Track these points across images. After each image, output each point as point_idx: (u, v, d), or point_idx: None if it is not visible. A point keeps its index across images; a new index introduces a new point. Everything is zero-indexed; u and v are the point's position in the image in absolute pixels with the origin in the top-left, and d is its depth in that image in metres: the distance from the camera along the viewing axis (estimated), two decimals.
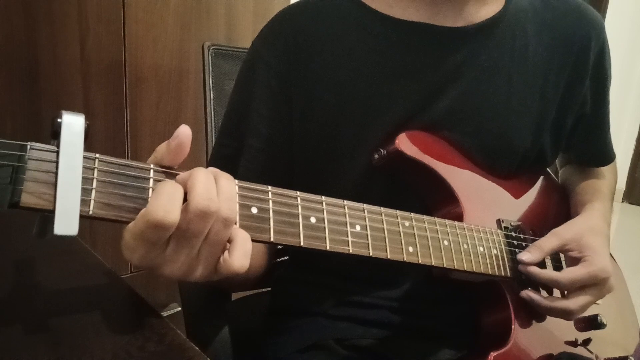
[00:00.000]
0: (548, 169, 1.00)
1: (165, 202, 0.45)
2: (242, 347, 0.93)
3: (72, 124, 0.41)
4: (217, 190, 0.48)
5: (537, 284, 0.81)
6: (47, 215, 0.42)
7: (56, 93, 1.52)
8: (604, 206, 0.91)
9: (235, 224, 0.51)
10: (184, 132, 0.49)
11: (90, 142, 1.50)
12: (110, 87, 1.62)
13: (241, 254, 0.50)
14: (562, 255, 0.87)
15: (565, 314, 0.79)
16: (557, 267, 0.87)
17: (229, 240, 0.50)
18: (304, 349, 0.85)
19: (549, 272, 0.78)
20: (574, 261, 0.80)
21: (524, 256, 0.78)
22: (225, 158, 0.85)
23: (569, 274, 0.77)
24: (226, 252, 0.50)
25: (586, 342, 0.86)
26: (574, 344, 0.86)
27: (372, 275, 0.85)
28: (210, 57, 1.15)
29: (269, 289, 1.00)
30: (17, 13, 1.40)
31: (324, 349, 0.84)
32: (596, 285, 0.78)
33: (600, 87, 0.92)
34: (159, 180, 0.47)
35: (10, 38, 1.40)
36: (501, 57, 0.82)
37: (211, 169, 0.52)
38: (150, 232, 0.45)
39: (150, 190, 0.46)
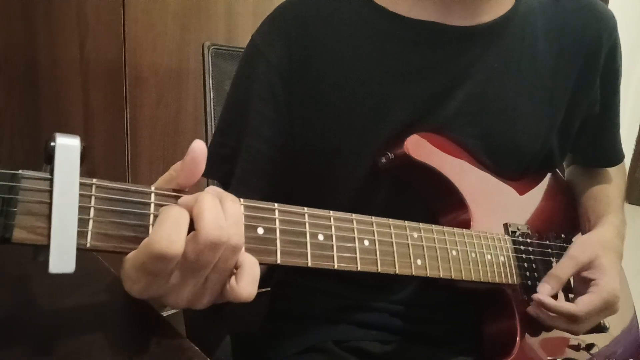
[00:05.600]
0: (557, 169, 0.98)
1: (169, 231, 0.42)
2: (242, 348, 0.92)
3: (67, 148, 0.38)
4: (224, 215, 0.46)
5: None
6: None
7: (56, 94, 1.51)
8: (618, 219, 0.90)
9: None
10: (199, 147, 0.47)
11: (90, 143, 1.49)
12: (110, 87, 1.61)
13: (249, 281, 0.48)
14: None
15: (570, 333, 0.78)
16: (566, 286, 0.85)
17: (236, 266, 0.48)
18: (304, 351, 0.84)
19: (564, 305, 0.75)
20: (582, 280, 0.79)
21: (544, 289, 0.76)
22: (222, 158, 0.83)
23: (585, 305, 0.75)
24: (233, 279, 0.48)
25: (589, 347, 0.86)
26: (577, 348, 0.85)
27: (373, 279, 0.83)
28: (210, 57, 1.14)
29: (269, 289, 0.99)
30: (16, 14, 1.39)
31: (323, 352, 0.83)
32: (606, 309, 0.77)
33: (611, 86, 0.90)
34: (161, 205, 0.45)
35: (9, 39, 1.39)
36: (510, 57, 0.81)
37: (215, 190, 0.49)
38: (153, 263, 0.43)
39: (152, 216, 0.44)
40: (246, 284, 0.47)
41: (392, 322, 0.83)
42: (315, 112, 0.79)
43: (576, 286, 0.82)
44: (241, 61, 0.84)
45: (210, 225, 0.44)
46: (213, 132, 1.13)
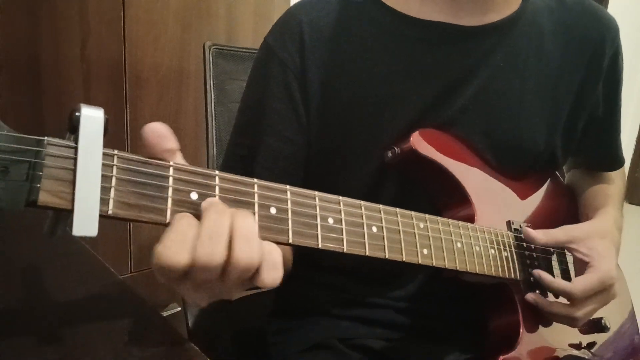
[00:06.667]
0: (557, 172, 0.99)
1: (174, 243, 0.42)
2: (245, 347, 0.92)
3: (92, 119, 0.39)
4: (233, 232, 0.45)
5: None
6: (60, 214, 0.40)
7: (57, 93, 1.51)
8: (616, 212, 0.91)
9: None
10: (148, 130, 0.47)
11: None
12: (110, 86, 1.61)
13: (270, 268, 0.47)
14: (569, 259, 0.87)
15: (570, 321, 0.78)
16: (565, 270, 0.87)
17: None
18: (308, 349, 0.84)
19: (561, 282, 0.76)
20: (580, 264, 0.80)
21: (530, 232, 0.79)
22: (240, 158, 0.84)
23: (580, 284, 0.76)
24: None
25: (590, 346, 0.87)
26: (578, 347, 0.86)
27: (377, 274, 0.84)
28: (211, 56, 1.15)
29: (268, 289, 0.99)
30: (19, 13, 1.39)
31: (328, 349, 0.83)
32: (602, 292, 0.77)
33: (613, 90, 0.91)
34: (179, 179, 0.45)
35: (11, 38, 1.39)
36: (516, 57, 0.81)
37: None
38: (161, 270, 0.43)
39: (170, 189, 0.45)
40: (267, 274, 0.47)
41: (396, 319, 0.84)
42: (326, 111, 0.80)
43: (577, 274, 0.82)
44: (255, 62, 0.85)
45: (202, 248, 0.43)
46: (215, 132, 1.13)
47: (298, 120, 0.80)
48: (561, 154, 0.91)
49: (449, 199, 0.81)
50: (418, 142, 0.75)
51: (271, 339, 0.90)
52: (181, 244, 0.43)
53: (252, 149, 0.81)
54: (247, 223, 0.45)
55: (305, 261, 0.90)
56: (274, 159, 0.80)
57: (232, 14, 1.83)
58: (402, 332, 0.84)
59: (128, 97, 1.64)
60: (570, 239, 0.80)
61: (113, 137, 1.64)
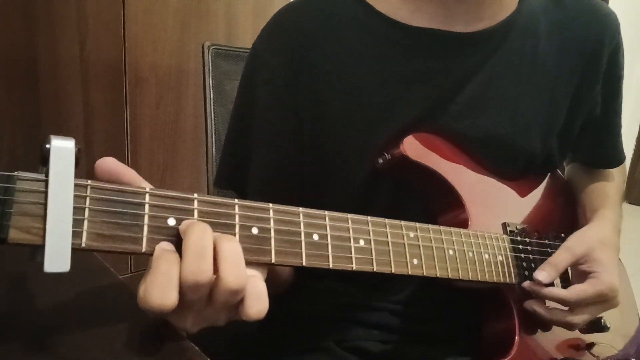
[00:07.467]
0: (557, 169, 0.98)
1: (159, 285, 0.42)
2: (242, 349, 0.92)
3: (62, 150, 0.39)
4: (219, 255, 0.44)
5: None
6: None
7: (56, 94, 1.51)
8: (615, 214, 0.89)
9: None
10: (100, 166, 0.45)
11: (90, 143, 1.49)
12: (110, 87, 1.61)
13: (254, 299, 0.47)
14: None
15: (568, 327, 0.78)
16: (564, 278, 0.86)
17: None
18: (305, 351, 0.84)
19: (556, 291, 0.76)
20: (581, 274, 0.79)
21: (540, 275, 0.76)
22: (233, 168, 0.83)
23: (576, 293, 0.75)
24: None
25: (589, 346, 0.86)
26: (577, 347, 0.85)
27: (374, 280, 0.84)
28: (210, 57, 1.14)
29: None
30: (17, 14, 1.39)
31: (324, 351, 0.83)
32: (603, 302, 0.77)
33: (612, 89, 0.90)
34: (155, 206, 0.45)
35: (9, 39, 1.39)
36: (511, 61, 0.80)
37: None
38: (153, 313, 0.43)
39: (147, 216, 0.44)
40: (249, 306, 0.47)
41: (392, 321, 0.83)
42: (318, 117, 0.78)
43: (574, 280, 0.82)
44: (244, 69, 0.84)
45: (188, 269, 0.43)
46: (214, 132, 1.13)
47: (289, 127, 0.79)
48: (558, 154, 0.90)
49: (442, 203, 0.80)
50: (409, 147, 0.74)
51: (268, 342, 0.90)
52: (165, 284, 0.42)
53: (245, 159, 0.81)
54: (233, 246, 0.45)
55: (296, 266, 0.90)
56: (267, 168, 0.80)
57: (231, 14, 1.83)
58: (398, 334, 0.83)
59: (127, 98, 1.64)
60: (577, 258, 0.79)
61: (113, 139, 1.65)
